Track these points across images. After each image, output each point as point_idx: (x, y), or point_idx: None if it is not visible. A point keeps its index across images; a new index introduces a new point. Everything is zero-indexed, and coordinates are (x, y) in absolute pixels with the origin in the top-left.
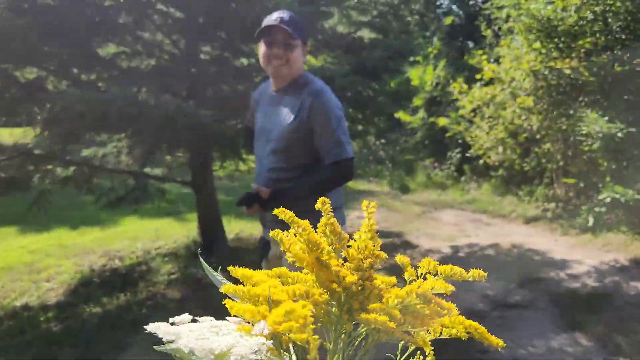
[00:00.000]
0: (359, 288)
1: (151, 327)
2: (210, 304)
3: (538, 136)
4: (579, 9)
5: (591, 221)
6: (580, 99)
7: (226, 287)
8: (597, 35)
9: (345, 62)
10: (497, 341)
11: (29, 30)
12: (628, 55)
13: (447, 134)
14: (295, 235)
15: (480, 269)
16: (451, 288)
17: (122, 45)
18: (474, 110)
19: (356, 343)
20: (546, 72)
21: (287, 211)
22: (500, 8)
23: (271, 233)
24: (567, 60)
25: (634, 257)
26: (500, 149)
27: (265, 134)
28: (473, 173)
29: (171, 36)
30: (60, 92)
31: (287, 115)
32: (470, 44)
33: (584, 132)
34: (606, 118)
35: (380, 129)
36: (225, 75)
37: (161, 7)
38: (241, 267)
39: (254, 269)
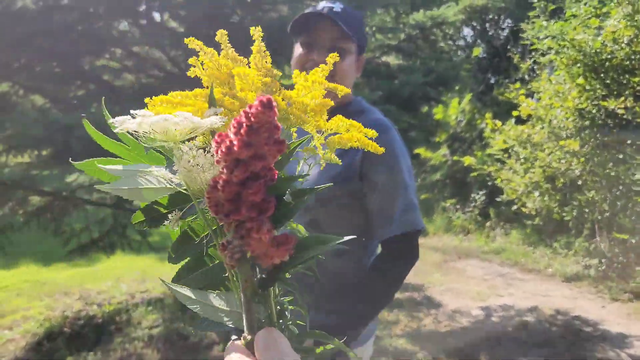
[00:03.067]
0: (265, 86)
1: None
2: None
3: (580, 182)
4: (631, 41)
5: None
6: (630, 142)
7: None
8: None
9: (376, 88)
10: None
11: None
12: None
13: (472, 174)
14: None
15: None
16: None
17: (112, 61)
18: (505, 150)
19: None
20: (594, 111)
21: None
22: (539, 38)
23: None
24: (622, 99)
25: None
26: (537, 194)
27: None
28: (499, 218)
29: (169, 52)
30: (20, 112)
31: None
32: (492, 79)
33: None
34: None
35: None
36: None
37: (156, 18)
38: None
39: None
